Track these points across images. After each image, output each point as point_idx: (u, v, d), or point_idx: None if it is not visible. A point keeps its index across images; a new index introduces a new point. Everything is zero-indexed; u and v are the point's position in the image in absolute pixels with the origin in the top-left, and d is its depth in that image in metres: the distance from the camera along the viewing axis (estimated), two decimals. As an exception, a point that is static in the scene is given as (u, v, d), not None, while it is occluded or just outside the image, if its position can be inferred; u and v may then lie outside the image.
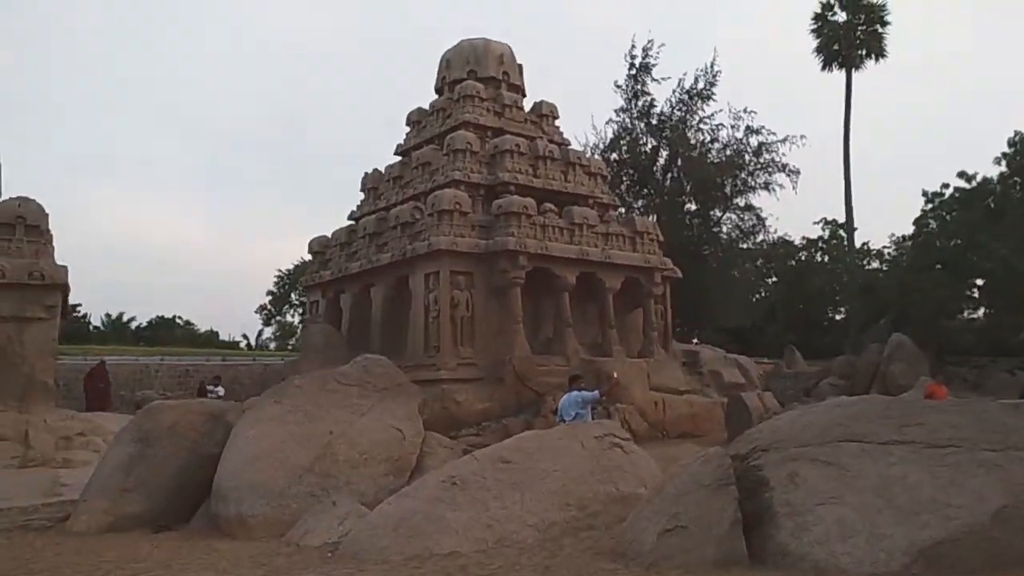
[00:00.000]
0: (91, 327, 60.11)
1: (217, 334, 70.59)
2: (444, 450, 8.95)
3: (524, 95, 22.41)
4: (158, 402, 9.87)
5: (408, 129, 22.49)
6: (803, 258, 47.42)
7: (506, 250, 17.26)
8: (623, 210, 33.02)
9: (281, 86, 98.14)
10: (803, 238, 45.52)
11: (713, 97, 32.07)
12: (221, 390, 18.78)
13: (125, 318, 60.90)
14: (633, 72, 32.18)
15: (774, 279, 49.51)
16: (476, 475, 7.62)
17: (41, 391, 12.44)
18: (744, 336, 44.29)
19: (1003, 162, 25.71)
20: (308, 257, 24.10)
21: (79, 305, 59.78)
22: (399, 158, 21.95)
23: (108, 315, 60.37)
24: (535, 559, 6.36)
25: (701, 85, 32.04)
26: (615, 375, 11.41)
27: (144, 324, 61.98)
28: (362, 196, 22.59)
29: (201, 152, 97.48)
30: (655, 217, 33.05)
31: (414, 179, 20.27)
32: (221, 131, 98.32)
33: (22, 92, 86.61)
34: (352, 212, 22.54)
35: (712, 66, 32.34)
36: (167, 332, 61.41)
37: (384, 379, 9.27)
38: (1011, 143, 25.44)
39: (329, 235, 21.94)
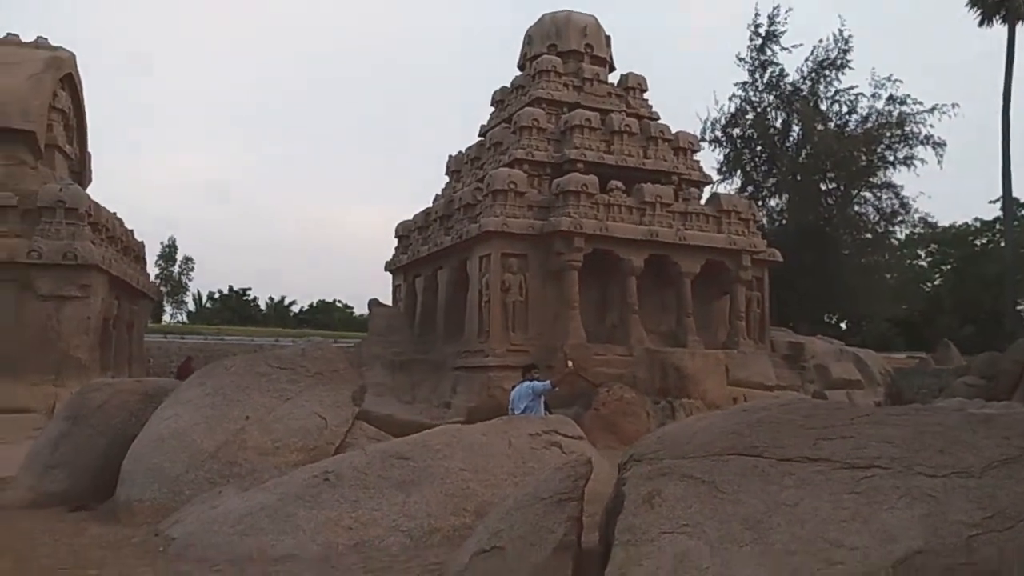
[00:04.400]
0: (259, 309, 64.88)
1: (374, 318, 74.00)
2: (372, 442, 8.26)
3: (612, 68, 21.14)
4: (96, 380, 9.88)
5: (492, 109, 21.88)
6: (980, 243, 42.28)
7: (560, 231, 16.22)
8: (750, 189, 30.72)
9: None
10: (975, 219, 40.47)
11: (849, 65, 28.87)
12: None
13: (287, 301, 65.27)
14: (758, 42, 29.63)
15: (950, 265, 44.73)
16: (357, 471, 6.88)
17: (75, 367, 13.01)
18: (914, 328, 40.13)
19: None
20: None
21: (248, 289, 64.88)
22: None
23: (271, 298, 64.87)
24: (355, 570, 5.57)
25: (834, 54, 28.92)
26: (569, 363, 10.20)
27: (305, 308, 66.25)
28: (446, 180, 22.27)
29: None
30: (785, 197, 30.47)
31: (487, 160, 19.63)
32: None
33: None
34: (436, 196, 22.27)
35: (842, 32, 29.19)
36: (326, 316, 65.09)
37: (319, 363, 8.70)
38: None
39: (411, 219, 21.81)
